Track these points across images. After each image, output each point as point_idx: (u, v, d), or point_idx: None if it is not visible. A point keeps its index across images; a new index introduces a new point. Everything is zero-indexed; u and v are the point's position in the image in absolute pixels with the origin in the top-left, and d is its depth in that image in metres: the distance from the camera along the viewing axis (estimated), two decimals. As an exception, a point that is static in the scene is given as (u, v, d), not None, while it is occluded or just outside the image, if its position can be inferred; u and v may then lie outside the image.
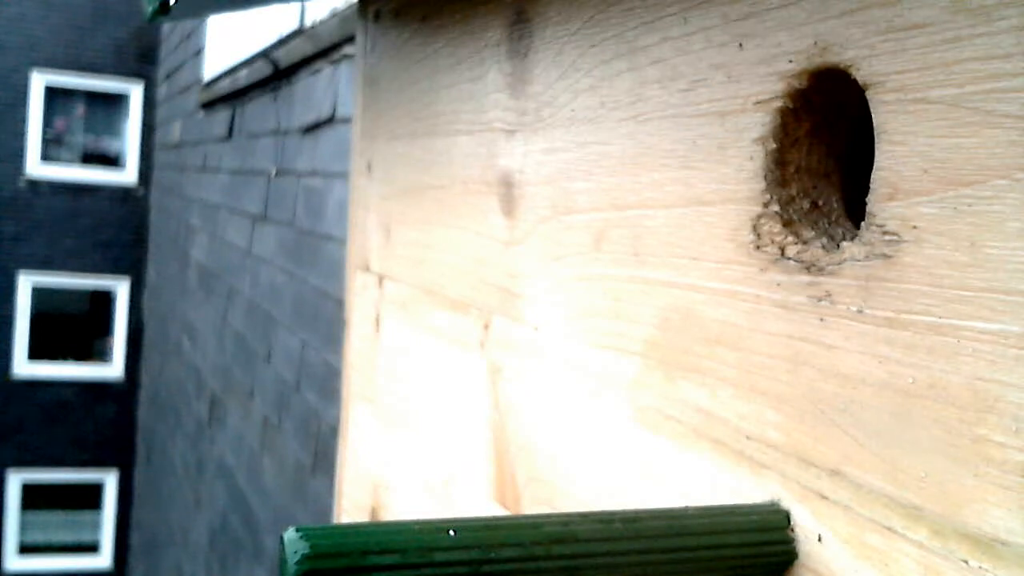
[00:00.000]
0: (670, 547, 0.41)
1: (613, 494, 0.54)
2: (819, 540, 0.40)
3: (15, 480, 7.11)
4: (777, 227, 0.43)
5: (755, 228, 0.44)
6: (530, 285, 0.64)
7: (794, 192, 0.44)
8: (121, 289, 8.17)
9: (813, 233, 0.43)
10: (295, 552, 0.36)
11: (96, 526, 7.29)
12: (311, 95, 2.61)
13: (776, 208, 0.44)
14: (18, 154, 7.70)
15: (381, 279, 0.87)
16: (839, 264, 0.40)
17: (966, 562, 0.34)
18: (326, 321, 2.50)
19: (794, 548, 0.41)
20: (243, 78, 3.45)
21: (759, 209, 0.44)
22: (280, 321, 3.01)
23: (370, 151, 0.91)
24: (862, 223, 0.39)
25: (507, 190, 0.66)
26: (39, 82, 7.70)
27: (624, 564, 0.40)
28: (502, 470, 0.67)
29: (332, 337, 2.38)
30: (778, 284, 0.43)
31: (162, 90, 6.89)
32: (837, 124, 0.44)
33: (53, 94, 7.83)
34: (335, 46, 2.35)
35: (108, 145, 8.11)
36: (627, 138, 0.53)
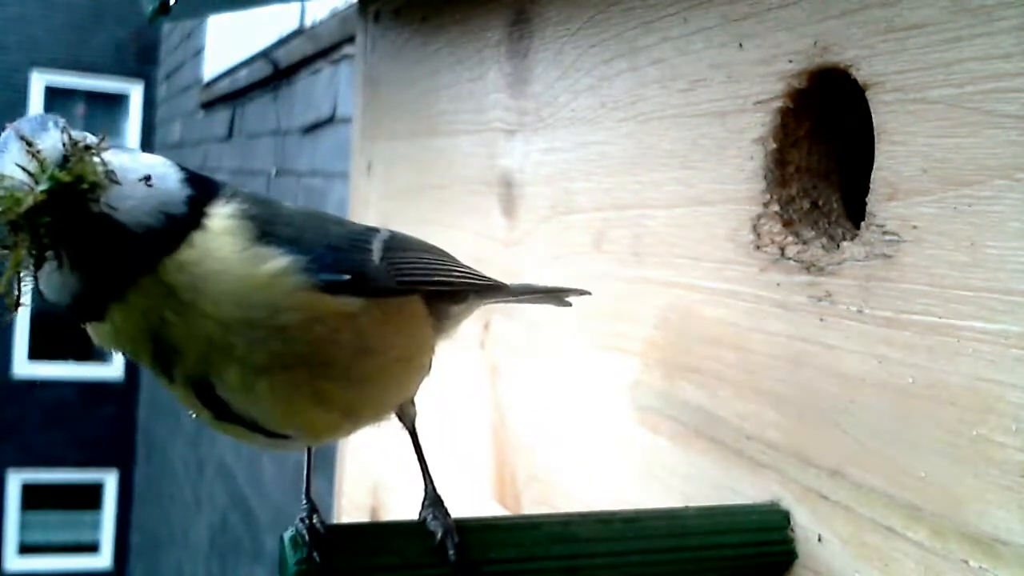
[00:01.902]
0: (670, 547, 0.41)
1: (613, 494, 0.54)
2: (819, 540, 0.40)
3: (15, 480, 7.11)
4: (777, 227, 0.43)
5: (755, 228, 0.44)
6: (530, 285, 0.64)
7: (794, 192, 0.44)
8: (121, 289, 8.13)
9: (813, 233, 0.43)
10: (295, 552, 0.37)
11: (96, 526, 7.28)
12: (311, 95, 2.61)
13: (776, 208, 0.44)
14: (18, 154, 7.67)
15: (381, 279, 0.87)
16: (839, 264, 0.40)
17: (966, 562, 0.34)
18: (326, 321, 2.48)
19: (794, 548, 0.41)
20: (243, 78, 3.44)
21: (759, 209, 0.44)
22: (280, 321, 3.00)
23: (370, 151, 0.91)
24: (862, 223, 0.39)
25: (507, 190, 0.66)
26: (39, 82, 7.68)
27: (624, 564, 0.40)
28: (502, 470, 0.67)
29: (332, 337, 2.37)
30: (778, 284, 0.43)
31: (162, 90, 6.88)
32: (837, 124, 0.44)
33: (53, 94, 7.81)
34: (335, 46, 2.34)
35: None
36: (627, 138, 0.53)
